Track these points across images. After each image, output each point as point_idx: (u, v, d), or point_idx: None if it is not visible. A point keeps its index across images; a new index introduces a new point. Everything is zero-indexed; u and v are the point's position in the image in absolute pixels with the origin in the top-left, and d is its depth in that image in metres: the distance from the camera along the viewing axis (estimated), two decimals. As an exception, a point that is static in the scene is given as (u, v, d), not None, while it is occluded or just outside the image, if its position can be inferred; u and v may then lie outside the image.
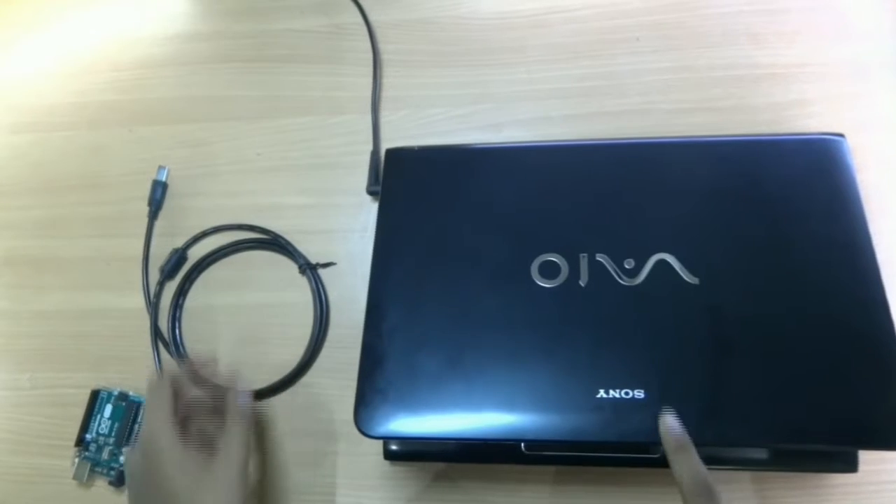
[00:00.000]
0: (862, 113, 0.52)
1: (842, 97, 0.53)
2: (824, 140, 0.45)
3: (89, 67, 0.66)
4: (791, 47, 0.55)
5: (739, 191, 0.44)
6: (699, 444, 0.39)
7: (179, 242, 0.56)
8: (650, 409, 0.38)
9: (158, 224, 0.57)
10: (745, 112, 0.54)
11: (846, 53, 0.54)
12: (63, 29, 0.69)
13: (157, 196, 0.58)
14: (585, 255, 0.43)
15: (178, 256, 0.55)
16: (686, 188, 0.45)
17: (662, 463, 0.42)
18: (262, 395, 0.50)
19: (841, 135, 0.45)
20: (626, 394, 0.38)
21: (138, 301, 0.55)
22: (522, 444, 0.44)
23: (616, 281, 0.42)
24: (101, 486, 0.50)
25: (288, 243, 0.54)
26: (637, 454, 0.43)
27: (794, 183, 0.44)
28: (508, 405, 0.39)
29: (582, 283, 0.42)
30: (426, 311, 0.43)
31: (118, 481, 0.49)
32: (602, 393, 0.38)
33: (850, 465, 0.41)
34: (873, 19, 0.55)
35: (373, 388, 0.41)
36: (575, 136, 0.55)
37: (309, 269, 0.53)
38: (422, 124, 0.58)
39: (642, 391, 0.38)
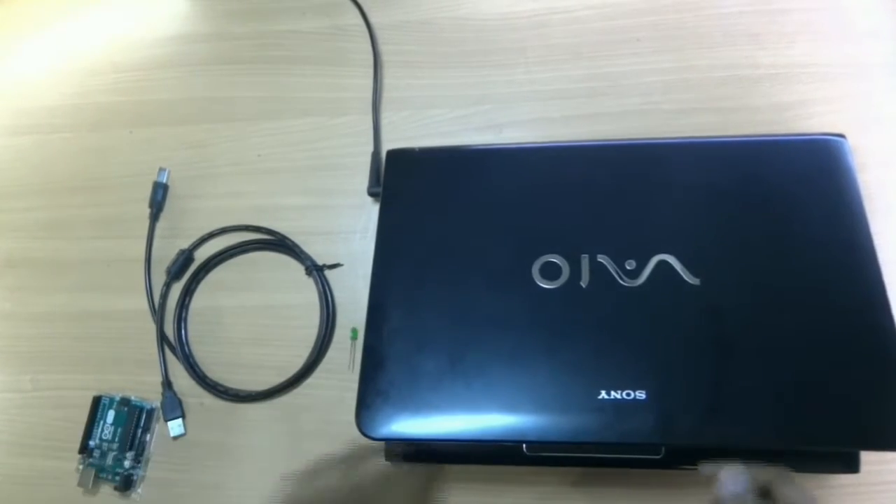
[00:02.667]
0: (863, 113, 0.52)
1: (843, 97, 0.53)
2: (825, 140, 0.45)
3: (90, 69, 0.66)
4: (792, 47, 0.55)
5: (740, 191, 0.44)
6: (700, 445, 0.39)
7: (181, 244, 0.56)
8: (652, 409, 0.38)
9: (159, 225, 0.58)
10: (746, 112, 0.54)
11: (847, 53, 0.54)
12: (64, 31, 0.69)
13: (158, 197, 0.58)
14: (586, 256, 0.43)
15: (185, 257, 0.55)
16: (687, 189, 0.45)
17: (664, 464, 0.43)
18: (267, 396, 0.51)
19: (842, 135, 0.45)
20: (628, 395, 0.38)
21: (140, 303, 0.55)
22: (524, 446, 0.44)
23: (617, 282, 0.42)
24: (107, 491, 0.50)
25: (295, 245, 0.54)
26: (639, 455, 0.43)
27: (795, 183, 0.44)
28: (510, 406, 0.39)
29: (583, 284, 0.42)
30: (427, 313, 0.43)
31: (123, 486, 0.49)
32: (604, 394, 0.38)
33: (852, 466, 0.41)
34: (874, 19, 0.55)
35: (374, 390, 0.41)
36: (575, 136, 0.55)
37: (316, 271, 0.53)
38: (422, 125, 0.58)
39: (644, 392, 0.38)
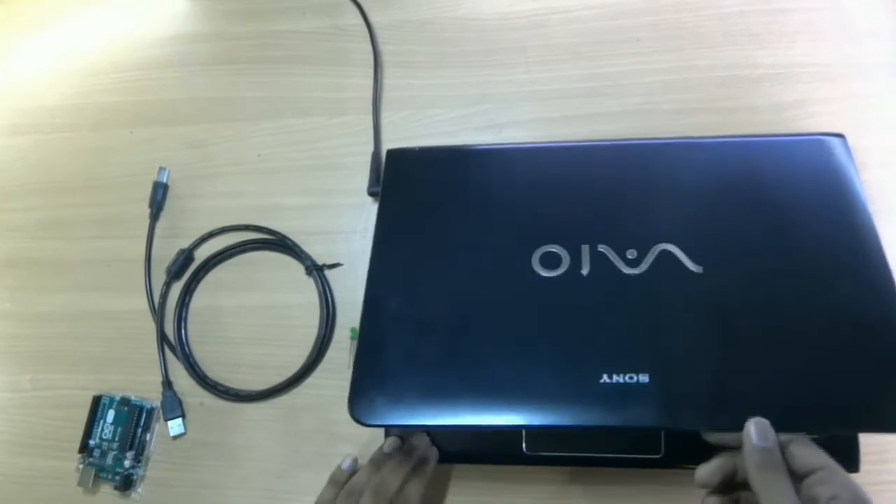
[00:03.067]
0: (863, 113, 0.52)
1: (842, 97, 0.53)
2: (824, 140, 0.45)
3: (90, 69, 0.66)
4: (792, 47, 0.55)
5: (740, 191, 0.44)
6: (703, 429, 0.38)
7: (181, 243, 0.56)
8: (654, 393, 0.37)
9: (159, 225, 0.58)
10: (746, 112, 0.54)
11: (847, 53, 0.54)
12: (64, 30, 0.69)
13: (158, 197, 0.58)
14: (587, 245, 0.42)
15: (185, 257, 0.55)
16: (687, 189, 0.45)
17: (664, 464, 0.43)
18: (267, 396, 0.51)
19: (841, 135, 0.45)
20: (631, 378, 0.38)
21: (140, 302, 0.55)
22: (524, 445, 0.43)
23: (618, 270, 0.41)
24: (107, 490, 0.50)
25: (295, 244, 0.54)
26: (639, 455, 0.43)
27: (795, 183, 0.43)
28: (509, 392, 0.39)
29: (584, 273, 0.42)
30: (424, 302, 0.42)
31: (123, 486, 0.49)
32: (606, 378, 0.38)
33: (852, 465, 0.41)
34: (874, 19, 0.55)
35: (368, 376, 0.40)
36: (576, 136, 0.55)
37: (316, 271, 0.53)
38: (422, 125, 0.58)
39: (647, 376, 0.38)
